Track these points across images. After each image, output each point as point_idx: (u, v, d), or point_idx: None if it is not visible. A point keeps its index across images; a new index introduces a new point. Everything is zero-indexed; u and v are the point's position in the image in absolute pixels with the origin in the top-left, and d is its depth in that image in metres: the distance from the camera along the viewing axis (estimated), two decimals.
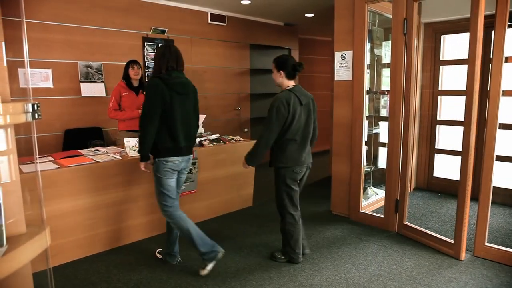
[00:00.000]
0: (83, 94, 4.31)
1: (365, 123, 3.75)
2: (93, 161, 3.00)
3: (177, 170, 2.66)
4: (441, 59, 4.66)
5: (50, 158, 3.10)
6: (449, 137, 4.77)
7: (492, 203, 2.88)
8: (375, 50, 4.27)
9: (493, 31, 2.74)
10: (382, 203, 3.74)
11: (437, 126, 4.76)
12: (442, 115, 4.75)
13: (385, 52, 4.43)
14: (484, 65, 2.76)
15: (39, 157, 3.08)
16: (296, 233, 2.84)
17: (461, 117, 4.46)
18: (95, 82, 4.41)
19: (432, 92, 4.72)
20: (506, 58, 2.72)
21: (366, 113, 3.73)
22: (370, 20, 4.01)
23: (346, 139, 3.82)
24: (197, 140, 3.86)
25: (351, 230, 3.56)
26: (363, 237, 3.39)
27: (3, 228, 1.20)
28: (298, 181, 2.84)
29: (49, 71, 4.06)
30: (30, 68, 3.89)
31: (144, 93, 3.10)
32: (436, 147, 4.81)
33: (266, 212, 4.01)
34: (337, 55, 3.80)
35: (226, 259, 2.96)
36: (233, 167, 3.89)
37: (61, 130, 4.22)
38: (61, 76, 4.16)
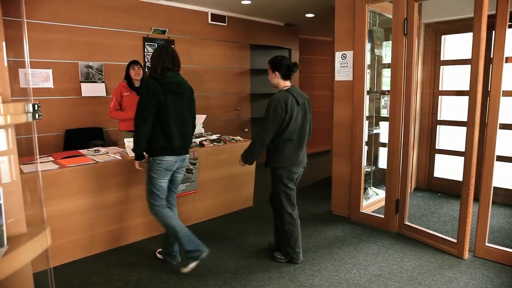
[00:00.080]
0: (83, 94, 4.31)
1: (366, 123, 3.75)
2: (94, 161, 3.00)
3: (171, 169, 2.66)
4: (441, 59, 4.66)
5: (51, 158, 3.10)
6: (449, 137, 4.76)
7: (493, 203, 2.88)
8: (375, 50, 4.26)
9: (493, 32, 2.74)
10: (383, 203, 3.73)
11: (438, 126, 4.76)
12: (442, 115, 4.75)
13: (386, 52, 4.43)
14: (484, 65, 2.75)
15: (39, 157, 3.08)
16: (296, 232, 2.84)
17: (461, 117, 4.51)
18: (95, 82, 4.41)
19: (433, 92, 4.72)
20: (506, 58, 2.72)
21: (366, 113, 3.73)
22: (371, 20, 4.01)
23: (347, 139, 3.82)
24: (198, 140, 3.86)
25: (352, 230, 3.56)
26: (363, 237, 3.39)
27: (4, 228, 1.20)
28: (295, 180, 2.85)
29: (49, 71, 4.07)
30: (30, 68, 3.89)
31: None
32: (436, 147, 4.81)
33: (266, 212, 3.99)
34: (338, 55, 3.80)
35: (227, 259, 2.97)
36: (233, 167, 3.89)
37: (62, 130, 4.22)
38: (62, 76, 4.16)
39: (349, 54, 3.69)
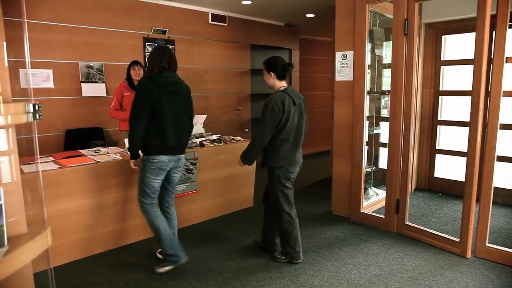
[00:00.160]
0: (84, 95, 4.32)
1: (366, 123, 3.75)
2: (94, 162, 3.00)
3: (165, 169, 2.66)
4: (442, 59, 4.66)
5: (51, 158, 3.10)
6: (450, 138, 4.76)
7: (493, 203, 2.88)
8: (376, 50, 4.26)
9: (493, 32, 2.74)
10: (383, 203, 3.73)
11: (438, 126, 4.76)
12: (443, 115, 4.75)
13: (386, 52, 4.43)
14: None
15: (40, 157, 3.08)
16: (295, 231, 2.85)
17: (462, 118, 4.51)
18: (96, 82, 4.41)
19: (433, 93, 4.72)
20: (506, 58, 2.72)
21: (366, 113, 3.73)
22: (371, 20, 4.01)
23: (347, 140, 3.82)
24: (198, 140, 3.86)
25: (352, 231, 3.56)
26: (363, 238, 3.39)
27: (4, 228, 1.20)
28: (291, 180, 2.86)
29: (50, 72, 4.07)
30: (31, 68, 3.89)
31: None
32: (437, 147, 4.80)
33: None
34: (338, 55, 3.80)
35: (227, 259, 2.97)
36: (233, 168, 3.89)
37: (62, 130, 4.23)
38: (62, 76, 4.16)
39: (350, 54, 3.68)
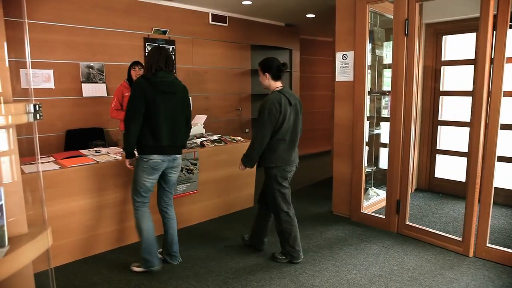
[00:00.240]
0: (84, 95, 4.32)
1: (366, 123, 3.75)
2: (95, 162, 3.00)
3: (159, 169, 2.66)
4: (442, 59, 4.66)
5: (52, 159, 3.10)
6: (450, 138, 4.76)
7: (494, 204, 2.88)
8: (376, 50, 4.26)
9: (494, 32, 2.74)
10: (383, 203, 3.73)
11: (439, 126, 4.76)
12: (443, 115, 4.75)
13: (386, 52, 4.43)
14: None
15: (40, 158, 3.09)
16: (294, 230, 2.86)
17: (462, 118, 4.50)
18: (96, 82, 4.41)
19: (434, 93, 4.71)
20: (506, 58, 2.72)
21: (367, 113, 3.73)
22: (371, 20, 4.01)
23: (347, 140, 3.82)
24: (198, 140, 3.86)
25: (352, 231, 3.56)
26: (364, 238, 3.39)
27: (5, 228, 1.21)
28: (288, 179, 2.87)
29: (50, 72, 4.07)
30: (31, 68, 3.90)
31: None
32: (437, 147, 4.80)
33: None
34: (338, 55, 3.80)
35: (227, 260, 2.97)
36: (234, 168, 3.87)
37: (63, 131, 4.23)
38: (63, 76, 4.17)
39: (350, 54, 3.68)
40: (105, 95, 4.46)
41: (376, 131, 4.47)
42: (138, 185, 2.64)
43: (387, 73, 4.39)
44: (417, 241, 3.28)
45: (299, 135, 2.88)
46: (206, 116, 4.48)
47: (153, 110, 2.54)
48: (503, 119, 2.77)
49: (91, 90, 4.37)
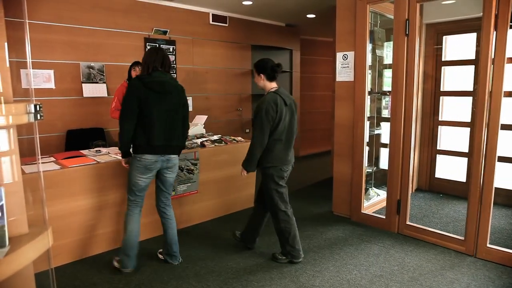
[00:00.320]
0: (85, 95, 4.32)
1: (367, 124, 3.75)
2: (95, 162, 3.01)
3: (152, 169, 2.66)
4: (443, 59, 4.65)
5: (52, 159, 3.11)
6: (451, 138, 4.75)
7: (494, 204, 2.88)
8: (376, 50, 4.26)
9: (495, 32, 2.74)
10: (384, 204, 3.73)
11: (439, 127, 4.76)
12: (444, 115, 4.74)
13: (387, 52, 4.42)
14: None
15: (41, 158, 3.09)
16: (293, 229, 2.87)
17: (463, 118, 4.50)
18: (97, 83, 4.41)
19: (434, 93, 4.71)
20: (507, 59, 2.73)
21: (367, 113, 3.73)
22: (372, 20, 4.00)
23: (348, 140, 3.82)
24: (199, 140, 3.86)
25: (353, 231, 3.55)
26: (364, 238, 3.38)
27: (5, 228, 1.21)
28: (285, 178, 2.88)
29: (51, 72, 4.08)
30: (32, 69, 3.90)
31: None
32: (437, 147, 4.80)
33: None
34: (339, 55, 3.80)
35: (228, 260, 2.97)
36: (234, 168, 3.89)
37: (63, 131, 4.23)
38: (63, 76, 4.17)
39: (350, 54, 3.68)
40: (106, 95, 4.46)
41: (376, 131, 4.46)
42: (131, 184, 2.67)
43: (388, 73, 4.38)
44: (418, 241, 3.28)
45: (295, 135, 2.89)
46: (207, 116, 4.48)
47: (146, 110, 2.56)
48: (503, 119, 2.77)
49: (91, 90, 4.37)
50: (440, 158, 4.82)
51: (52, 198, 2.69)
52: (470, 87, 4.38)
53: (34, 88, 3.97)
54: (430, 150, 4.84)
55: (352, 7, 3.61)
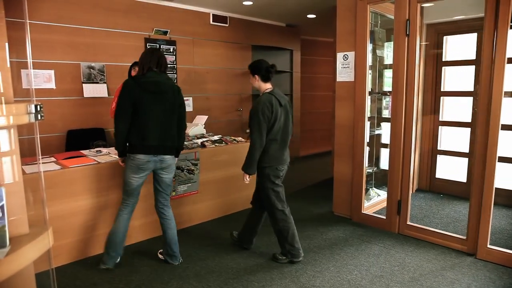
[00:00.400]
0: (85, 95, 4.32)
1: (367, 124, 3.75)
2: (96, 162, 3.01)
3: (144, 169, 2.66)
4: (443, 60, 4.65)
5: (53, 159, 3.11)
6: (451, 138, 4.75)
7: (494, 204, 2.88)
8: (377, 51, 4.26)
9: (495, 32, 2.74)
10: (384, 204, 3.72)
11: (439, 127, 4.75)
12: (444, 116, 4.74)
13: (387, 53, 4.42)
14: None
15: (41, 158, 3.08)
16: (291, 228, 2.87)
17: (463, 118, 4.50)
18: (97, 83, 4.42)
19: (435, 93, 4.71)
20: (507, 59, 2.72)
21: (368, 114, 3.73)
22: (372, 21, 4.00)
23: (348, 140, 3.82)
24: (199, 141, 3.86)
25: (353, 231, 3.55)
26: (365, 238, 3.38)
27: (6, 228, 1.21)
28: (281, 177, 2.89)
29: (51, 72, 4.08)
30: (33, 69, 3.90)
31: None
32: (438, 148, 4.79)
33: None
34: (339, 56, 3.79)
35: (228, 260, 2.97)
36: (234, 168, 3.88)
37: (64, 131, 4.23)
38: (64, 77, 4.17)
39: (351, 55, 3.68)
40: (106, 95, 4.46)
41: (377, 132, 4.46)
42: (125, 183, 2.70)
43: (388, 74, 4.38)
44: (418, 242, 3.28)
45: (290, 135, 2.91)
46: (207, 116, 4.48)
47: (140, 109, 2.57)
48: (503, 119, 2.77)
49: (92, 90, 4.37)
50: (440, 159, 4.82)
51: (52, 198, 2.69)
52: (470, 87, 4.37)
53: (35, 88, 3.97)
54: (430, 150, 4.83)
55: (352, 8, 3.61)
